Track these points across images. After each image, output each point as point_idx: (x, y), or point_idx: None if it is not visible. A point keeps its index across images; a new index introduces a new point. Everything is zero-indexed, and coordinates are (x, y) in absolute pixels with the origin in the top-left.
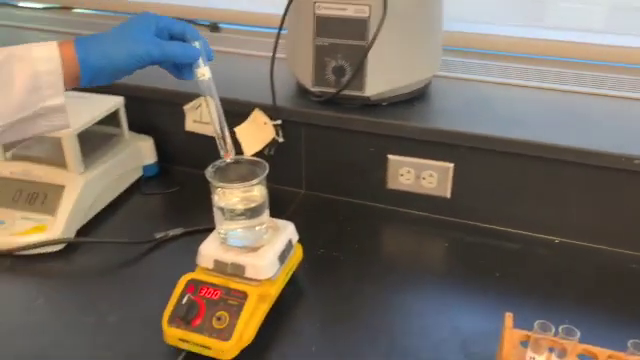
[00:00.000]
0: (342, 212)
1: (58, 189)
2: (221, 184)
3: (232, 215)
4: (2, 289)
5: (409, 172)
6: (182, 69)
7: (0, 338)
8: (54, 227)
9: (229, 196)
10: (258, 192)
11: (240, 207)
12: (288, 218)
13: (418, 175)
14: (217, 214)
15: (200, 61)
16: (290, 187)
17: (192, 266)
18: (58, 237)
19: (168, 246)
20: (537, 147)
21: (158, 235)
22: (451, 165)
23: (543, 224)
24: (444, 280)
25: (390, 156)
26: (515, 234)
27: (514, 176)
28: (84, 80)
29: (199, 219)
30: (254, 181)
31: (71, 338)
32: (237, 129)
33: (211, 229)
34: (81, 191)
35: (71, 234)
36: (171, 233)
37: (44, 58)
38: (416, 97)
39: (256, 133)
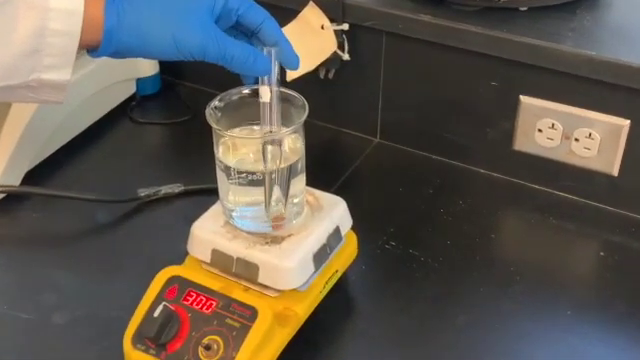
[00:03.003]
0: (434, 180)
1: (1, 107)
2: (228, 132)
3: (244, 180)
4: None
5: (554, 127)
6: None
7: None
8: None
9: (241, 150)
10: (291, 147)
11: (258, 169)
12: (347, 183)
13: (568, 134)
14: (221, 177)
15: (266, 77)
16: (356, 132)
17: (183, 251)
18: None
19: (158, 210)
20: None
21: (144, 192)
22: (626, 122)
23: None
24: (587, 315)
25: (524, 98)
26: None
27: None
28: (100, 53)
29: (212, 172)
30: (285, 129)
31: None
32: None
33: None
34: (35, 112)
35: (15, 180)
36: (164, 190)
37: (62, 11)
38: (578, 2)
39: (307, 42)
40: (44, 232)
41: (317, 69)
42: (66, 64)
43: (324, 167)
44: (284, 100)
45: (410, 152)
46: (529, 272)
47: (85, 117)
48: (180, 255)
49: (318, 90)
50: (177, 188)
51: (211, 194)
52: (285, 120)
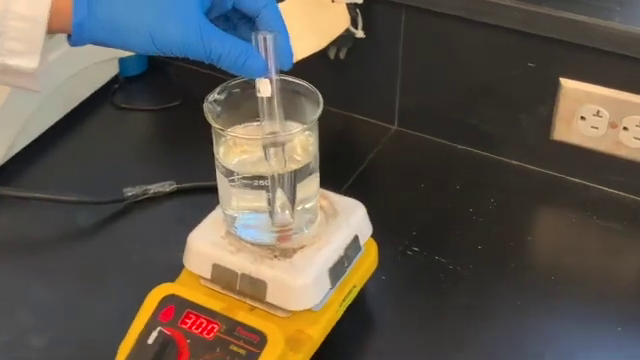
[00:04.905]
0: (460, 174)
1: None
2: (229, 130)
3: (249, 184)
4: None
5: (599, 114)
6: None
7: None
8: None
9: (245, 149)
10: (302, 146)
11: (265, 171)
12: (361, 179)
13: (615, 122)
14: (222, 180)
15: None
16: (371, 119)
17: (182, 263)
18: None
19: (147, 212)
20: None
21: (131, 191)
22: None
23: None
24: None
25: (565, 81)
26: None
27: None
28: (73, 44)
29: (210, 166)
30: (295, 128)
31: None
32: (281, 6)
33: None
34: (3, 103)
35: None
36: (153, 189)
37: None
38: None
39: (315, 18)
40: (16, 239)
41: (326, 48)
42: (31, 51)
43: (334, 160)
44: (294, 91)
45: (433, 141)
46: (572, 281)
47: (60, 105)
48: (174, 264)
49: (327, 72)
50: (169, 186)
51: (208, 192)
52: (296, 115)
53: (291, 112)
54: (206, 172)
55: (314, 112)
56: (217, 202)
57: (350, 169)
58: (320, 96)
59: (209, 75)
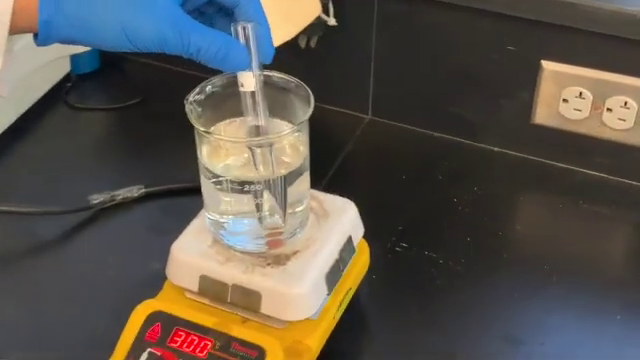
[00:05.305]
0: (441, 163)
1: None
2: (214, 130)
3: (237, 187)
4: None
5: (581, 96)
6: None
7: None
8: None
9: (231, 150)
10: (292, 147)
11: (254, 175)
12: (339, 173)
13: (599, 103)
14: (206, 184)
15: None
16: (344, 109)
17: (160, 274)
18: None
19: (116, 219)
20: None
21: (97, 198)
22: None
23: None
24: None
25: (546, 63)
26: None
27: None
28: (40, 43)
29: (179, 167)
30: (284, 127)
31: None
32: None
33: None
34: None
35: None
36: (122, 195)
37: None
38: None
39: (285, 5)
40: None
41: (297, 37)
42: None
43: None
44: (282, 88)
45: (409, 130)
46: (566, 270)
47: (11, 108)
48: (150, 275)
49: (298, 62)
50: (137, 190)
51: (179, 195)
52: (284, 114)
53: (278, 110)
54: (174, 173)
55: (304, 110)
56: (191, 205)
57: (327, 163)
58: (310, 93)
59: (167, 69)
